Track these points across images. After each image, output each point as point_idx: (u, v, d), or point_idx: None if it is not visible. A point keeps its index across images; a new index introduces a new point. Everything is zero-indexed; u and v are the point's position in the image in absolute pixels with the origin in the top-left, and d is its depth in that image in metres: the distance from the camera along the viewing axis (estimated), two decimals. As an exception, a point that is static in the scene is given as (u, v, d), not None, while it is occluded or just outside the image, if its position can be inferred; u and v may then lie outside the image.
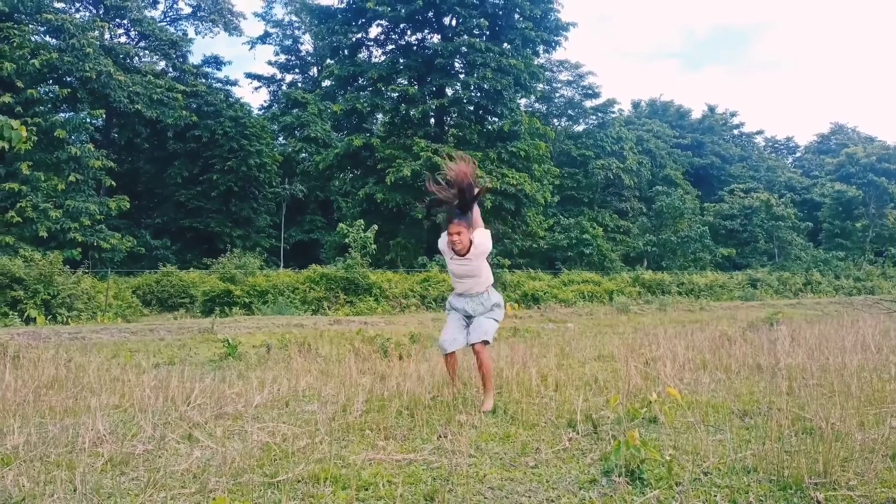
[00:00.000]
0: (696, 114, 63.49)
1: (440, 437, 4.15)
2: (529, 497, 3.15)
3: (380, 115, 36.60)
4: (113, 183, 28.74)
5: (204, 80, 38.00)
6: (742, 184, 51.51)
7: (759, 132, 70.73)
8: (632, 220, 45.21)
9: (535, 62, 34.18)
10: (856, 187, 47.99)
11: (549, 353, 7.92)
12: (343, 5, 32.38)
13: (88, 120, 29.06)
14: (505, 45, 31.67)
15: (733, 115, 65.48)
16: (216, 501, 2.75)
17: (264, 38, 46.32)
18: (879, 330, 9.84)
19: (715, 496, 3.09)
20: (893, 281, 35.54)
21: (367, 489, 3.21)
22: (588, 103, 50.05)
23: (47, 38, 28.72)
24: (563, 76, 50.35)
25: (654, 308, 20.74)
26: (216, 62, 40.67)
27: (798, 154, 72.60)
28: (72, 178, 25.86)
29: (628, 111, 61.10)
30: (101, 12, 33.34)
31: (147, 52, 36.33)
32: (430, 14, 32.19)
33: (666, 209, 38.51)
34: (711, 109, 63.55)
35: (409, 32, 33.56)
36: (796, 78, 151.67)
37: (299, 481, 3.29)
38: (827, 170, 54.59)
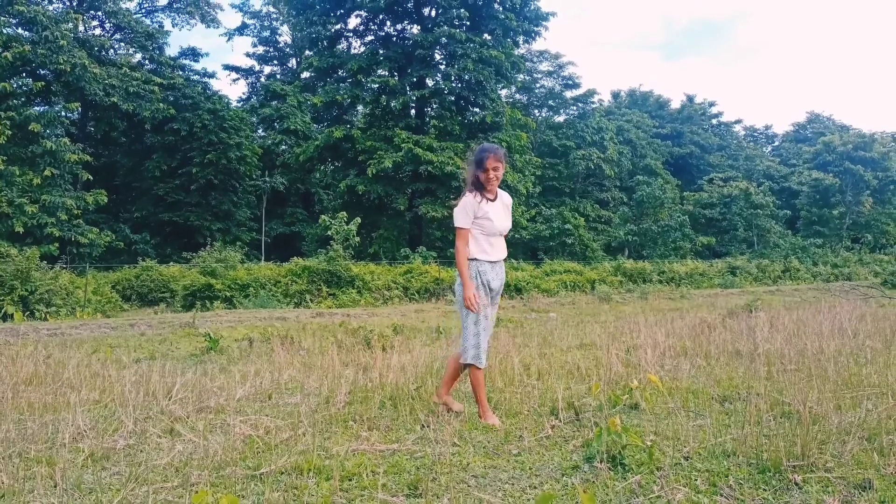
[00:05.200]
0: (675, 104, 63.92)
1: (423, 426, 4.16)
2: (513, 484, 3.17)
3: (360, 107, 36.42)
4: (90, 177, 28.30)
5: (181, 73, 37.49)
6: (721, 173, 51.98)
7: (738, 121, 71.36)
8: (613, 210, 45.47)
9: (516, 52, 34.18)
10: (832, 175, 48.58)
11: (531, 343, 7.96)
12: (321, -4, 32.15)
13: (63, 113, 28.53)
14: (485, 35, 31.64)
15: (712, 104, 65.99)
16: (199, 495, 2.74)
17: (242, 29, 45.80)
18: (856, 315, 9.99)
19: (695, 480, 3.13)
20: (870, 267, 36.07)
21: (350, 480, 3.21)
22: (568, 94, 50.19)
23: (19, 31, 28.15)
24: (544, 66, 50.46)
25: (636, 296, 20.90)
26: (193, 54, 40.16)
27: (776, 143, 73.32)
28: (47, 172, 25.43)
29: (608, 101, 61.32)
30: (74, 4, 32.75)
31: (122, 44, 35.76)
32: (410, 4, 32.05)
33: (646, 199, 38.75)
34: (690, 99, 63.95)
35: (388, 23, 33.40)
36: (773, 67, 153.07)
37: (282, 473, 3.29)
38: (804, 158, 55.17)
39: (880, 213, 50.72)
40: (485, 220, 4.28)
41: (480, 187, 4.34)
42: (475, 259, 4.30)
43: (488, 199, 4.33)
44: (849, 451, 3.40)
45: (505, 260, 4.55)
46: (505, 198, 4.50)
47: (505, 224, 4.41)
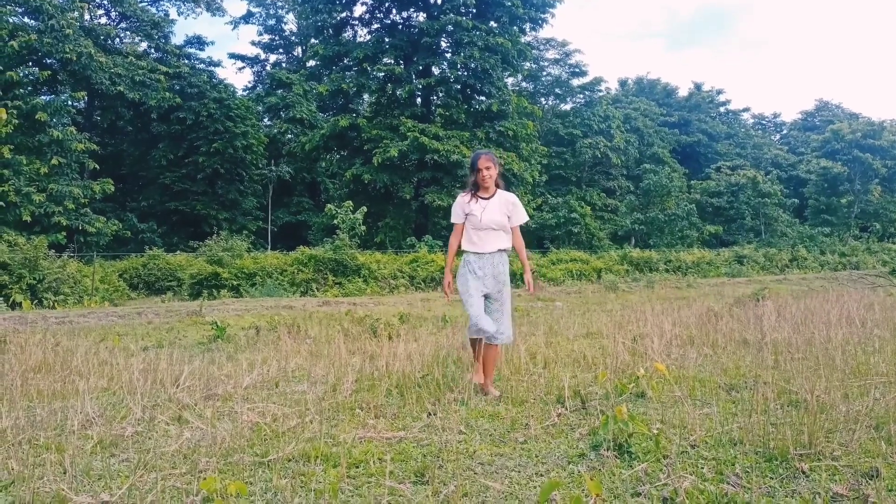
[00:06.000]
0: (683, 92, 63.56)
1: (430, 414, 4.17)
2: (519, 472, 3.18)
3: (366, 96, 36.32)
4: (96, 166, 28.38)
5: (187, 61, 37.47)
6: (729, 161, 51.67)
7: (746, 109, 71.13)
8: (619, 199, 45.31)
9: (522, 40, 34.00)
10: (841, 164, 48.27)
11: (537, 331, 7.96)
12: (327, -17, 32.00)
13: (70, 102, 28.58)
14: (492, 23, 31.44)
15: (719, 92, 65.59)
16: (207, 481, 2.76)
17: (247, 17, 45.73)
18: (864, 304, 9.95)
19: (702, 468, 3.13)
20: (878, 256, 35.91)
21: (357, 467, 3.22)
22: (575, 82, 49.91)
23: (26, 20, 28.17)
24: (550, 54, 50.18)
25: (642, 285, 20.84)
26: (199, 43, 40.13)
27: (784, 131, 72.86)
28: (54, 161, 25.50)
29: (615, 89, 61.02)
30: (80, -8, 32.71)
31: (128, 33, 35.75)
32: (416, -8, 31.88)
33: (653, 187, 38.60)
34: (698, 87, 63.53)
35: (394, 11, 33.23)
36: (781, 55, 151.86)
37: (290, 460, 3.30)
38: (813, 146, 54.82)
39: (889, 201, 50.45)
40: (471, 216, 4.86)
41: (476, 187, 4.91)
42: (465, 251, 4.91)
43: (480, 198, 4.89)
44: (856, 439, 3.39)
45: (505, 251, 4.94)
46: (504, 196, 4.97)
47: (494, 219, 4.83)
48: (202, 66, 39.31)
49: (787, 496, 2.84)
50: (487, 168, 4.84)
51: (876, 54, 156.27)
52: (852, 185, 48.58)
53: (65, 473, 3.14)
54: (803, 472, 3.05)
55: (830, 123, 56.74)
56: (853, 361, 5.38)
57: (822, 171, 48.65)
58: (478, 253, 4.83)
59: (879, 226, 48.56)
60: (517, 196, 5.33)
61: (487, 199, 4.88)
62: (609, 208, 44.47)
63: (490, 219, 4.81)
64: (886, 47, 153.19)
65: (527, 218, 5.05)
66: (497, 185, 4.95)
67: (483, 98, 32.11)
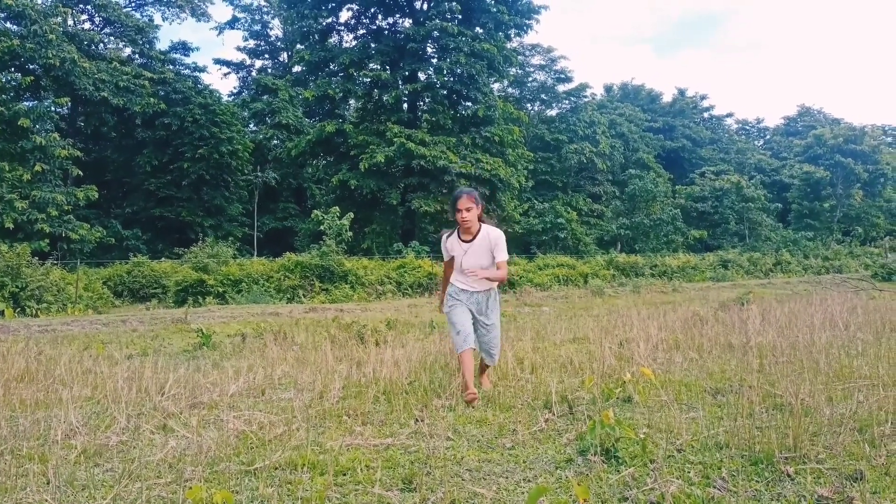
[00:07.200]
0: (667, 97, 63.91)
1: (417, 421, 4.16)
2: (507, 478, 3.18)
3: (352, 101, 36.30)
4: (80, 172, 28.13)
5: (172, 67, 37.21)
6: (713, 166, 52.09)
7: (729, 115, 71.56)
8: (605, 204, 45.54)
9: (508, 46, 34.14)
10: (823, 168, 48.80)
11: (524, 337, 7.96)
12: (312, -11, 31.99)
13: (53, 108, 28.36)
14: (477, 28, 31.56)
15: (703, 98, 66.05)
16: (193, 490, 2.73)
17: (232, 23, 45.55)
18: (847, 307, 10.06)
19: (688, 472, 3.14)
20: (860, 259, 36.26)
21: (344, 474, 3.21)
22: (561, 87, 50.11)
23: (8, 25, 27.92)
24: (536, 60, 50.37)
25: (628, 290, 20.94)
26: (184, 48, 39.86)
27: (767, 136, 73.53)
28: (37, 167, 25.25)
29: (601, 95, 61.31)
30: (63, -3, 32.46)
31: (112, 38, 35.48)
32: (402, -2, 31.94)
33: (639, 192, 38.84)
34: (682, 93, 63.96)
35: (380, 17, 33.28)
36: (765, 61, 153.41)
37: (277, 468, 3.28)
38: (795, 151, 55.36)
39: (870, 205, 51.02)
40: (455, 258, 4.95)
41: (458, 226, 4.90)
42: (453, 283, 5.00)
43: (462, 240, 4.87)
44: (840, 442, 3.42)
45: (492, 288, 5.05)
46: (487, 234, 4.84)
47: (477, 263, 4.81)
48: (187, 71, 39.05)
49: (772, 499, 2.86)
50: (468, 209, 4.73)
51: (857, 60, 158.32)
52: (834, 190, 49.12)
53: (48, 484, 3.10)
54: (788, 476, 3.07)
55: (813, 129, 57.34)
56: (837, 365, 5.43)
57: (804, 176, 49.16)
58: (465, 290, 4.96)
59: (861, 230, 49.11)
60: (504, 217, 5.47)
61: (470, 241, 4.83)
62: (595, 213, 44.67)
63: (473, 263, 4.81)
64: (868, 53, 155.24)
65: (506, 257, 4.90)
66: (481, 220, 4.87)
67: (469, 104, 32.19)
